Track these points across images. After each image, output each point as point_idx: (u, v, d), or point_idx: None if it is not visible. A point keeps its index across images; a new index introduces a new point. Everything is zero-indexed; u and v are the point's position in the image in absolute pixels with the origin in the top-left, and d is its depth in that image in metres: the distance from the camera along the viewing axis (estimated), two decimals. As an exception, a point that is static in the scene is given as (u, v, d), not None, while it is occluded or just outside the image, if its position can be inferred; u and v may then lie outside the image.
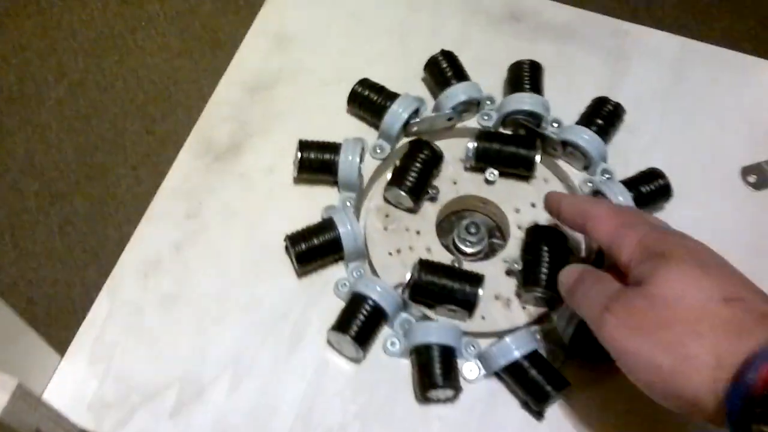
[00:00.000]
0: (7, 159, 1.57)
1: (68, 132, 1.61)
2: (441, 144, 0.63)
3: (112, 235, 1.47)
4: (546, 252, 0.57)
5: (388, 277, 0.58)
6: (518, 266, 0.58)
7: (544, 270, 0.56)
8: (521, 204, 0.62)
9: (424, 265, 0.56)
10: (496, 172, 0.63)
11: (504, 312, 0.57)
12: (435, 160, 0.62)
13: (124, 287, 0.59)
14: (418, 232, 0.61)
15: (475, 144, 0.62)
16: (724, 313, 0.41)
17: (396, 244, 0.60)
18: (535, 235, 0.59)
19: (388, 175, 0.62)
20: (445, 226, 0.64)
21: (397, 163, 0.61)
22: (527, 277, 0.56)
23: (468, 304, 0.56)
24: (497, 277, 0.59)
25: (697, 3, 1.75)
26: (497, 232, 0.64)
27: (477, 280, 0.56)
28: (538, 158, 0.61)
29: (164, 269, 0.60)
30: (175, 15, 1.73)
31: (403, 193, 0.60)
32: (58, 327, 1.38)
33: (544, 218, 0.61)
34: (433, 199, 0.62)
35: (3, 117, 1.62)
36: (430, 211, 0.62)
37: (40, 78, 1.67)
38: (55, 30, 1.72)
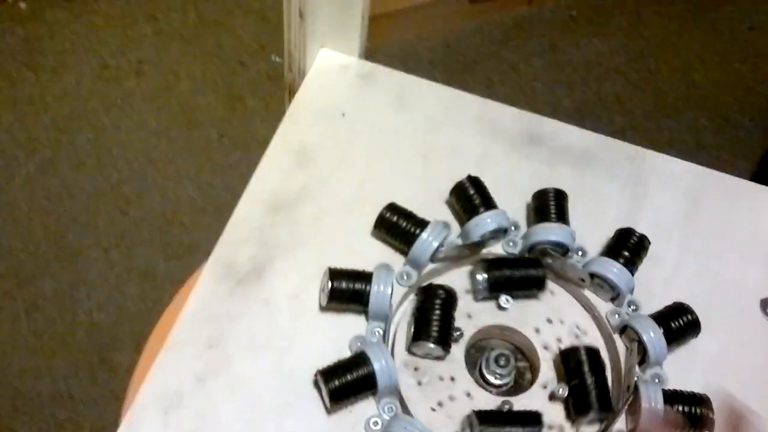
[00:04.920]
0: (-28, 238, 1.52)
1: (38, 212, 1.57)
2: (442, 279, 0.63)
3: (83, 321, 1.42)
4: (589, 373, 0.57)
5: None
6: (564, 392, 0.57)
7: (594, 392, 0.56)
8: (539, 323, 0.62)
9: (482, 418, 0.55)
10: (510, 298, 0.63)
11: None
12: (451, 300, 0.61)
13: (142, 425, 0.57)
14: (452, 379, 0.60)
15: (486, 275, 0.62)
16: None
17: (436, 397, 0.59)
18: (571, 357, 0.59)
19: (411, 325, 0.61)
20: (467, 360, 0.63)
21: (416, 314, 0.60)
22: (579, 402, 0.56)
23: None
24: (543, 406, 0.58)
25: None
26: (520, 355, 0.63)
27: (536, 418, 0.55)
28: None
29: (185, 404, 0.57)
30: (152, 93, 1.72)
31: (432, 345, 0.59)
32: (24, 420, 1.32)
33: (564, 333, 0.61)
34: (455, 340, 0.61)
35: (-31, 194, 1.58)
36: (456, 352, 0.61)
37: (8, 154, 1.63)
38: (26, 104, 1.69)
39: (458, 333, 0.61)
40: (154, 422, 0.57)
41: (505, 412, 0.57)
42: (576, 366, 0.58)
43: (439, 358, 0.60)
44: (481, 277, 0.62)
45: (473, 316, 0.63)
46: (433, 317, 0.59)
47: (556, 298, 0.63)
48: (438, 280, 0.63)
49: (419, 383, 0.59)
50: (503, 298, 0.63)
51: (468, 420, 0.56)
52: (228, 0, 1.89)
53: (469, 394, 0.59)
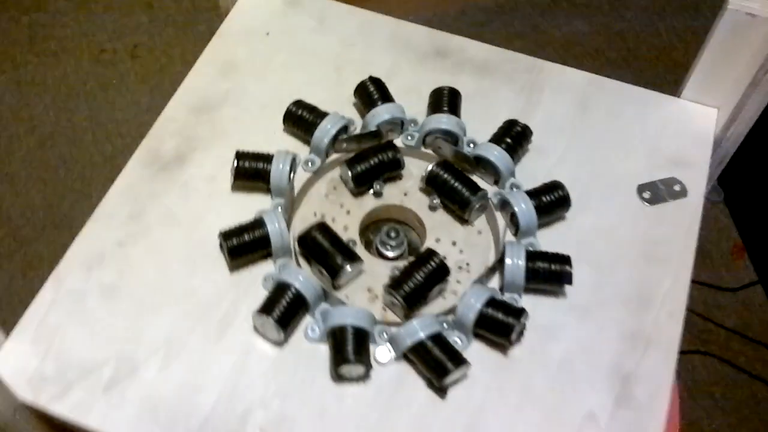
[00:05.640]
0: (-26, 206, 1.62)
1: (36, 182, 1.66)
2: (414, 163, 0.71)
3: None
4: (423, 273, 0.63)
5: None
6: (437, 201, 0.68)
7: (410, 284, 0.62)
8: (445, 238, 0.68)
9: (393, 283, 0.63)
10: (437, 201, 0.70)
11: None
12: (394, 161, 0.69)
13: (68, 278, 0.64)
14: (345, 228, 0.67)
15: (430, 168, 0.69)
16: None
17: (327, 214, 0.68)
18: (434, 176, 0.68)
19: (320, 188, 0.69)
20: (369, 236, 0.70)
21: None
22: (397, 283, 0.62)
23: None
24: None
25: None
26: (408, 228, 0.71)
27: (432, 253, 0.64)
28: (477, 205, 0.67)
29: (107, 263, 0.65)
30: (146, 74, 1.82)
31: (349, 173, 0.67)
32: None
33: (453, 261, 0.66)
34: (377, 194, 0.69)
35: (-27, 166, 1.68)
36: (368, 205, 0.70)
37: (11, 130, 1.73)
38: (28, 85, 1.80)
39: (379, 187, 0.69)
40: (77, 276, 0.65)
41: (406, 267, 0.63)
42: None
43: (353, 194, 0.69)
44: (428, 168, 0.69)
45: (408, 195, 0.70)
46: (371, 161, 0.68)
47: (480, 237, 0.69)
48: (337, 171, 0.70)
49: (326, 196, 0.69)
50: (433, 197, 0.69)
51: (386, 292, 0.63)
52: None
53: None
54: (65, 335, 0.62)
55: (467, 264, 0.66)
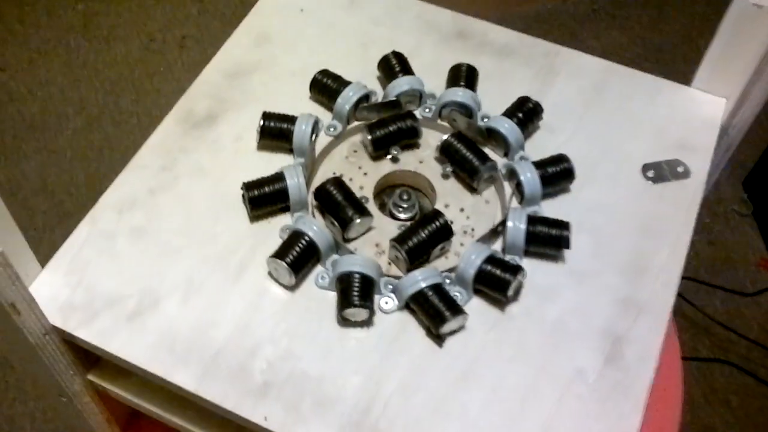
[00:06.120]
0: (22, 180, 1.69)
1: (81, 160, 1.74)
2: (432, 134, 0.76)
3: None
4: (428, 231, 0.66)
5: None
6: (449, 168, 0.73)
7: (414, 240, 0.66)
8: (453, 204, 0.72)
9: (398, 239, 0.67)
10: (449, 169, 0.74)
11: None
12: (411, 129, 0.74)
13: (101, 219, 0.70)
14: (361, 187, 0.72)
15: (445, 138, 0.73)
16: None
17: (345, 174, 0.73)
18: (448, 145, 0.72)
19: (341, 150, 0.74)
20: (383, 198, 0.74)
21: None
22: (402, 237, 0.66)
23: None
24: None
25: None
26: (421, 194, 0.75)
27: (438, 214, 0.68)
28: (485, 175, 0.71)
29: (137, 208, 0.70)
30: (192, 63, 1.89)
31: (369, 137, 0.72)
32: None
33: (459, 226, 0.70)
34: (394, 160, 0.74)
35: (22, 142, 1.75)
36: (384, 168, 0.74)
37: (60, 110, 1.81)
38: (80, 69, 1.88)
39: (396, 152, 0.74)
40: (110, 218, 0.70)
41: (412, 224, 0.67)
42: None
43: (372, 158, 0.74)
44: (442, 138, 0.73)
45: (423, 162, 0.75)
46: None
47: (488, 207, 0.72)
48: (358, 137, 0.75)
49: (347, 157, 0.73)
50: (446, 166, 0.74)
51: (391, 246, 0.67)
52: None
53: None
54: (95, 270, 0.67)
55: (472, 229, 0.70)
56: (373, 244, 0.68)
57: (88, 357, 0.68)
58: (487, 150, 0.74)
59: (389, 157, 0.74)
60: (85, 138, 1.77)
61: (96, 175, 1.70)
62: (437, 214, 0.67)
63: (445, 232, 0.66)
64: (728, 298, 1.54)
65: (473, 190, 0.73)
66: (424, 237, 0.65)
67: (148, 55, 1.91)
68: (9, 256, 0.55)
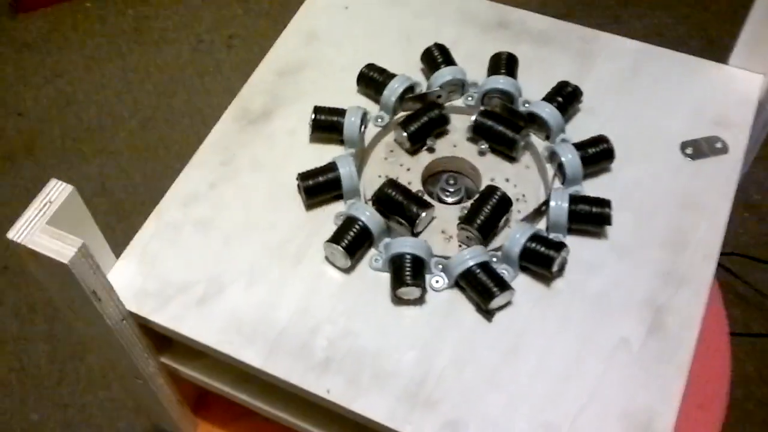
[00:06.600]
0: (82, 181, 1.77)
1: (138, 160, 1.81)
2: (459, 118, 0.79)
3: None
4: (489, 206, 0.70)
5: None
6: (486, 146, 0.76)
7: (482, 217, 0.69)
8: (498, 177, 0.76)
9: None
10: (485, 146, 0.77)
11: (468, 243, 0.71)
12: (441, 118, 0.78)
13: (167, 213, 0.75)
14: (409, 183, 0.76)
15: (474, 118, 0.77)
16: None
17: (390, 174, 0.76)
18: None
19: (379, 152, 0.78)
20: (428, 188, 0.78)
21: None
22: (469, 218, 0.70)
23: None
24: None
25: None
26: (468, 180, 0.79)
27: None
28: (521, 142, 0.75)
29: (200, 201, 0.75)
30: (240, 62, 1.94)
31: (404, 134, 0.76)
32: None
33: (510, 193, 0.73)
34: (431, 150, 0.78)
35: (82, 145, 1.83)
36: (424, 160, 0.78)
37: (116, 113, 1.88)
38: (132, 72, 1.95)
39: (432, 142, 0.78)
40: (175, 211, 0.75)
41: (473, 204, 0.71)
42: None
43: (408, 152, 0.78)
44: (472, 118, 0.77)
45: (457, 146, 0.79)
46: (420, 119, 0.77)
47: (528, 171, 0.77)
48: (393, 137, 0.79)
49: (385, 159, 0.78)
50: (481, 143, 0.77)
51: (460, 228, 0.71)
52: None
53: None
54: (164, 259, 0.72)
55: (523, 195, 0.74)
56: (439, 232, 0.72)
57: (161, 341, 0.73)
58: (530, 133, 0.77)
59: (425, 148, 0.78)
60: (140, 139, 1.84)
61: (153, 175, 1.77)
62: (493, 189, 0.71)
63: (505, 204, 0.71)
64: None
65: (512, 159, 0.76)
66: (489, 212, 0.69)
67: (197, 55, 1.97)
68: (89, 248, 0.60)
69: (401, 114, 0.79)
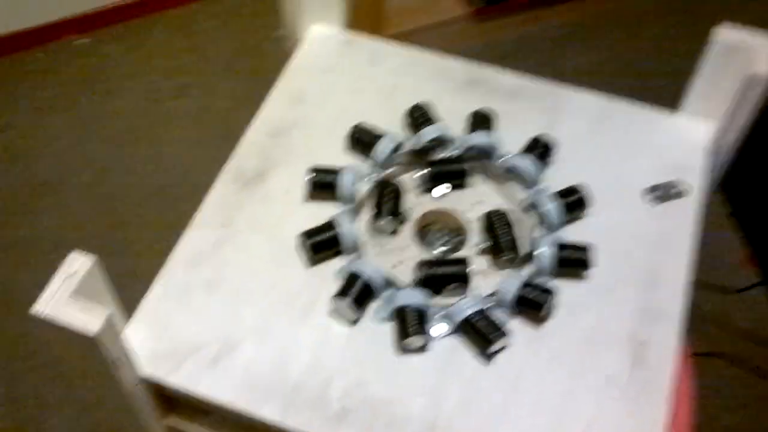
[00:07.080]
0: (38, 236, 1.76)
1: (93, 213, 1.81)
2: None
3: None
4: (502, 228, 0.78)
5: (376, 264, 0.78)
6: (485, 244, 0.79)
7: (507, 238, 0.77)
8: (465, 206, 0.83)
9: (423, 264, 0.77)
10: (449, 185, 0.84)
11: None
12: (398, 190, 0.83)
13: (174, 274, 0.78)
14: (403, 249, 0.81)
15: (429, 169, 0.83)
16: None
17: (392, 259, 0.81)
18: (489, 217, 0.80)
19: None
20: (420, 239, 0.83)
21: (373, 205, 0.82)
22: (497, 247, 0.77)
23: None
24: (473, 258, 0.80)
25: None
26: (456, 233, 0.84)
27: (462, 261, 0.78)
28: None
29: (205, 261, 0.79)
30: (195, 111, 1.97)
31: (382, 222, 0.80)
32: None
33: (475, 213, 0.80)
34: (402, 222, 0.83)
35: (36, 200, 1.83)
36: (407, 234, 0.83)
37: (71, 164, 1.89)
38: (85, 122, 1.96)
39: (409, 209, 0.83)
40: (182, 272, 0.78)
41: (440, 259, 0.77)
42: (492, 223, 0.79)
43: (393, 232, 0.81)
44: (427, 170, 0.83)
45: (419, 205, 0.84)
46: (385, 203, 0.80)
47: (485, 190, 0.84)
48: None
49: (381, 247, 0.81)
50: (442, 187, 0.83)
51: (417, 266, 0.76)
52: (260, 31, 2.15)
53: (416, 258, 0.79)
54: (176, 321, 0.75)
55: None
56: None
57: (167, 402, 0.76)
58: (509, 185, 0.83)
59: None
60: (95, 190, 1.85)
61: (110, 226, 1.78)
62: (492, 213, 0.80)
63: (506, 219, 0.80)
64: (714, 296, 1.66)
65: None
66: (507, 229, 0.78)
67: (152, 105, 2.00)
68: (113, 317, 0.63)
69: (391, 169, 0.85)
